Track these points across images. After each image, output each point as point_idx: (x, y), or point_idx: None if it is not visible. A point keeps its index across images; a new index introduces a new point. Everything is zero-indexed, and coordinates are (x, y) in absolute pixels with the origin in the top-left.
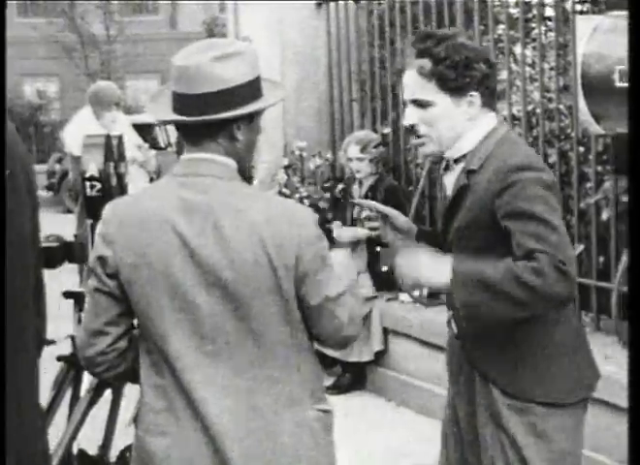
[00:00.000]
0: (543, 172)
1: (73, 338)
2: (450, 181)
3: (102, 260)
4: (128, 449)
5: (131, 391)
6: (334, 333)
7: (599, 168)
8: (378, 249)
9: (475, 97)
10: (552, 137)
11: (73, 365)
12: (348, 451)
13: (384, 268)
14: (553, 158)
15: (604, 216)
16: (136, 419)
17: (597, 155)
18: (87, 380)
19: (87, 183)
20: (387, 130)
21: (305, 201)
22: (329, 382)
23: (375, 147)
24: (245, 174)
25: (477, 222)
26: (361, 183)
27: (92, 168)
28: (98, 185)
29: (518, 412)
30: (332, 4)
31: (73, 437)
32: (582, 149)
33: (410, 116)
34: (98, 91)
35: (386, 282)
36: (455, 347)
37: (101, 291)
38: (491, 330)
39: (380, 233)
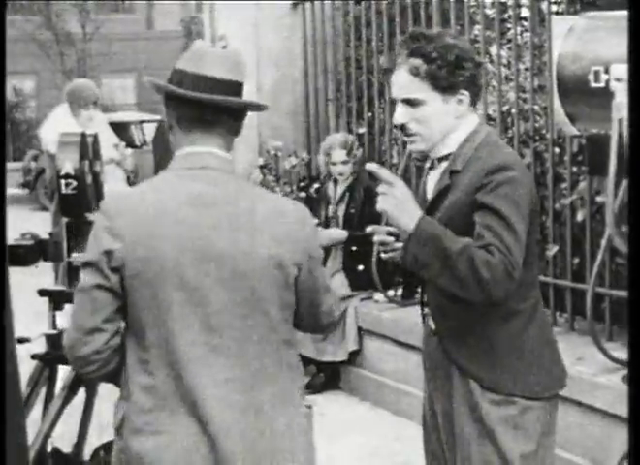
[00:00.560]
0: (520, 173)
1: (47, 336)
2: (432, 181)
3: (108, 254)
4: (102, 447)
5: (104, 390)
6: (325, 322)
7: (574, 168)
8: (354, 248)
9: (465, 96)
10: (527, 137)
11: (47, 363)
12: (322, 451)
13: (360, 268)
14: (528, 158)
15: (579, 217)
16: (119, 422)
17: (572, 156)
18: (62, 378)
19: (62, 181)
20: (362, 130)
21: None
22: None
23: (358, 149)
24: None
25: (454, 221)
26: (336, 182)
27: (67, 166)
28: (73, 183)
29: (496, 405)
30: (307, 4)
31: (47, 435)
32: (557, 150)
33: (401, 115)
34: (75, 89)
35: (361, 282)
36: (431, 343)
37: (103, 287)
38: (468, 327)
39: (395, 256)
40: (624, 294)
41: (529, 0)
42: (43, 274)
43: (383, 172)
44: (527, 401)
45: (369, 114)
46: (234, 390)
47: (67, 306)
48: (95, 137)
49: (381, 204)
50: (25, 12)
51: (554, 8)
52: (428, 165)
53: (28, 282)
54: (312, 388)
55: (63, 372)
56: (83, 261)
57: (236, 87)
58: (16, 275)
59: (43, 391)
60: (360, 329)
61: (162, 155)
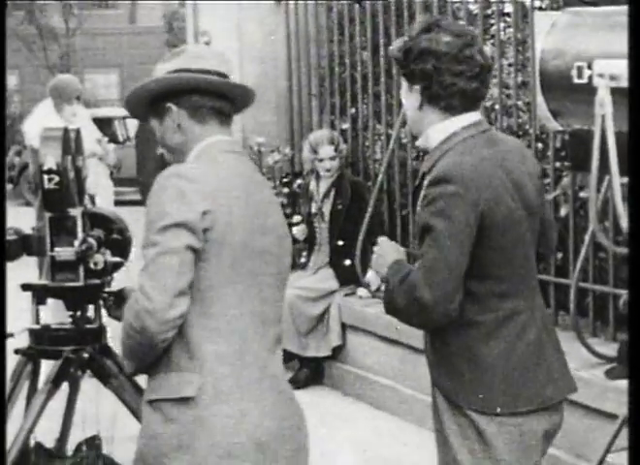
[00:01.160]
0: (465, 187)
1: (31, 331)
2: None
3: (204, 213)
4: (85, 442)
5: (87, 385)
6: None
7: (557, 164)
8: (340, 243)
9: (416, 90)
10: (510, 133)
11: (30, 358)
12: None
13: (347, 262)
14: None
15: (562, 212)
16: (193, 392)
17: (555, 151)
18: (45, 373)
19: (45, 176)
20: (346, 125)
21: None
22: (286, 376)
23: (343, 144)
24: None
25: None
26: (319, 178)
27: (50, 161)
28: (56, 178)
29: (453, 415)
30: (291, 0)
31: (30, 430)
32: (540, 145)
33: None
34: (58, 84)
35: (348, 276)
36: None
37: (192, 248)
38: (433, 333)
39: None
40: (607, 289)
41: None
42: (26, 268)
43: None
44: (479, 415)
45: (353, 110)
46: (272, 362)
47: (50, 301)
48: (78, 132)
49: (372, 265)
50: (8, 7)
51: (537, 3)
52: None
53: (11, 276)
54: (296, 383)
55: (46, 366)
56: (169, 222)
57: (226, 77)
58: None
59: (26, 386)
60: (343, 325)
61: (144, 151)
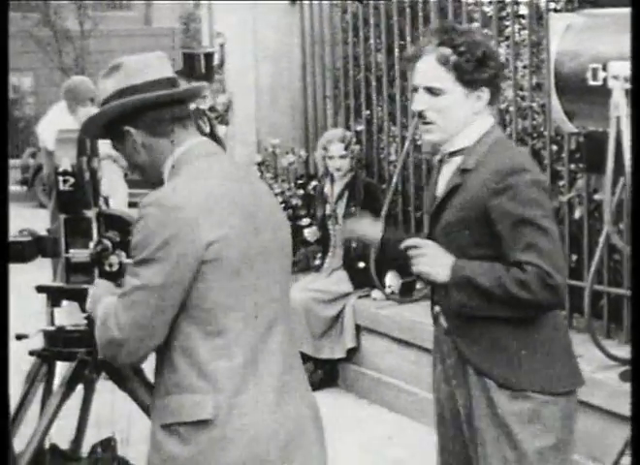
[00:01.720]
0: (538, 174)
1: (45, 333)
2: (444, 178)
3: (192, 242)
4: (100, 444)
5: (102, 387)
6: None
7: (572, 166)
8: (354, 245)
9: (485, 93)
10: (525, 135)
11: (45, 360)
12: None
13: (361, 265)
14: None
15: (577, 214)
16: (209, 414)
17: (570, 153)
18: (60, 374)
19: (60, 178)
20: (361, 127)
21: (278, 198)
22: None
23: (355, 144)
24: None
25: (466, 221)
26: (333, 181)
27: (65, 162)
28: (71, 180)
29: (512, 401)
30: (306, 1)
31: (45, 432)
32: (555, 147)
33: (421, 102)
34: (73, 86)
35: (362, 279)
36: (444, 342)
37: (176, 282)
38: (481, 326)
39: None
40: (621, 291)
41: None
42: (41, 270)
43: (408, 242)
44: (543, 396)
45: (367, 112)
46: (289, 370)
47: (65, 302)
48: None
49: (416, 268)
50: (23, 9)
51: (552, 5)
52: (438, 158)
53: (26, 278)
54: (310, 386)
55: (61, 368)
56: (149, 256)
57: (174, 81)
58: (14, 271)
59: (41, 388)
60: (358, 327)
61: None
